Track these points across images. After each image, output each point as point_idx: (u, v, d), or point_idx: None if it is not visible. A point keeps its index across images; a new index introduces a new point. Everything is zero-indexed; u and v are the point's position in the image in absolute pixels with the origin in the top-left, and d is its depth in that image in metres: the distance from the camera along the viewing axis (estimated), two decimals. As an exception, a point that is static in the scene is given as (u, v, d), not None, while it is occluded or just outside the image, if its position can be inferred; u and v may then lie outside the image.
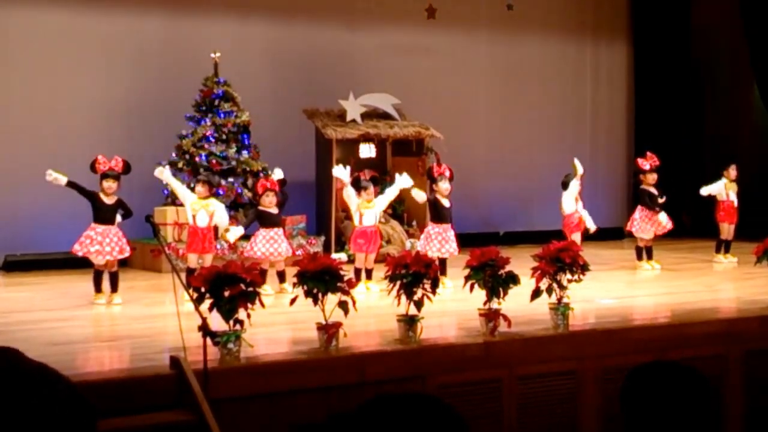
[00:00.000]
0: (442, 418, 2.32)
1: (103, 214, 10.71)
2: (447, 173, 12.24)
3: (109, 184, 10.72)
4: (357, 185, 11.81)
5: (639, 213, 13.72)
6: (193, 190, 11.53)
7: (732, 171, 14.33)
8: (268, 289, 10.98)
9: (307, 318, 8.20)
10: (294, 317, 8.81)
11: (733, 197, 14.32)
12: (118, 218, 10.78)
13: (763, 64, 17.32)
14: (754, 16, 17.32)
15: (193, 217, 11.26)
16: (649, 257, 13.63)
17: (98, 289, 10.72)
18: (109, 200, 10.73)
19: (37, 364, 2.07)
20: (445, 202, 12.13)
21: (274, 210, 11.61)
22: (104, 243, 10.61)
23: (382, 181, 13.16)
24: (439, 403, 2.35)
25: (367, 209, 11.75)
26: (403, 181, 12.05)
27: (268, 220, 11.57)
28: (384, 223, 13.77)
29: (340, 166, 12.21)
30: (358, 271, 11.43)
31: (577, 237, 13.25)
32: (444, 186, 12.15)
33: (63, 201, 13.27)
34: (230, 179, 14.02)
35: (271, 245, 11.46)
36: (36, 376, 2.03)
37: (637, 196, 14.13)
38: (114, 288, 10.72)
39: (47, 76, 14.07)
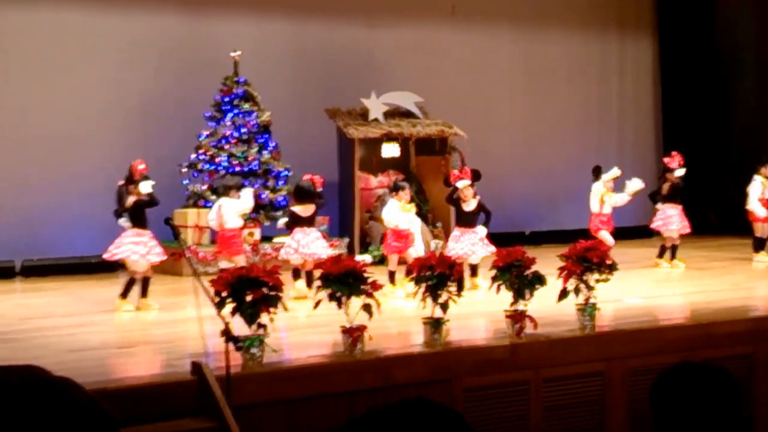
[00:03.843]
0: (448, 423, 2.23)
1: (145, 217, 10.62)
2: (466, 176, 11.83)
3: (152, 183, 10.63)
4: (394, 187, 11.52)
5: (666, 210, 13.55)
6: (216, 191, 11.43)
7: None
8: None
9: (331, 321, 8.09)
10: (318, 320, 8.69)
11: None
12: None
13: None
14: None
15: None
16: (673, 256, 13.44)
17: (126, 295, 10.45)
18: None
19: (57, 377, 2.04)
20: (467, 207, 11.82)
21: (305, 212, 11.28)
22: (144, 247, 10.52)
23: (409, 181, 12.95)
24: (442, 408, 2.26)
25: (405, 212, 11.44)
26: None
27: (300, 220, 11.30)
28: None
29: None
30: (392, 274, 11.18)
31: (604, 235, 12.74)
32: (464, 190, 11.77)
33: (79, 205, 13.29)
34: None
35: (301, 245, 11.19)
36: (57, 389, 2.00)
37: (668, 194, 13.85)
38: (144, 293, 10.54)
39: (64, 77, 13.99)
